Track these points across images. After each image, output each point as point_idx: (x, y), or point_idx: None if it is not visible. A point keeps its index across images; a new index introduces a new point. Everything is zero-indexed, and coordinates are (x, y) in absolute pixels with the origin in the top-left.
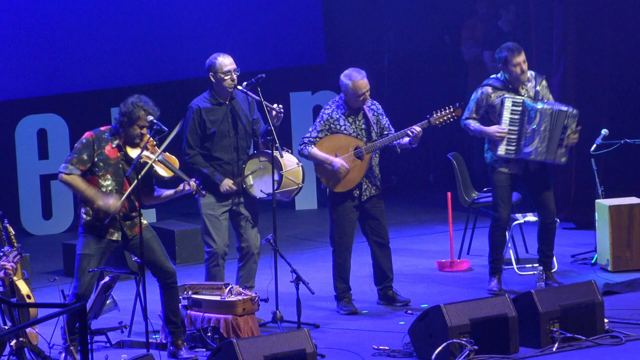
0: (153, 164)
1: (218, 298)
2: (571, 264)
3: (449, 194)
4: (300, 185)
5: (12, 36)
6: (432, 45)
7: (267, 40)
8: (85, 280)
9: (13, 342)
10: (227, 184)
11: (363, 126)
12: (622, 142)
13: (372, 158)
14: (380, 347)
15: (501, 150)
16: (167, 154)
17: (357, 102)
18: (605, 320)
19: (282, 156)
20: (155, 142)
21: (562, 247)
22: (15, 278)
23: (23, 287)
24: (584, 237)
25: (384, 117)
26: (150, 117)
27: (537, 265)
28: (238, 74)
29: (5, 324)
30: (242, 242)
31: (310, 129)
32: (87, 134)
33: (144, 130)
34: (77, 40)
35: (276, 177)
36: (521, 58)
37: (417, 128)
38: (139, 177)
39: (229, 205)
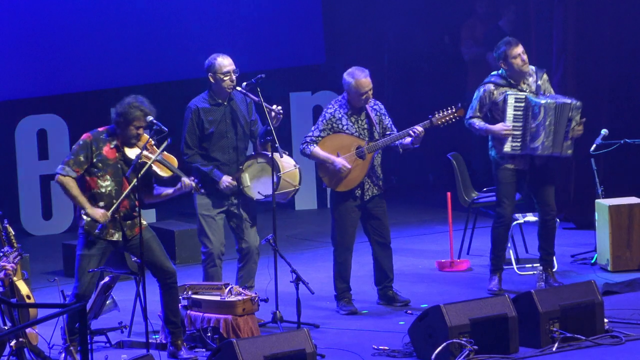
0: (152, 164)
1: (218, 298)
2: (571, 263)
3: (448, 194)
4: (297, 188)
5: (12, 36)
6: (432, 45)
7: (267, 40)
8: (85, 280)
9: (13, 343)
10: (227, 180)
11: (365, 126)
12: (622, 142)
13: (374, 158)
14: (380, 347)
15: (507, 147)
16: (166, 153)
17: (360, 101)
18: (605, 320)
19: (281, 156)
20: (154, 142)
21: (562, 247)
22: (15, 278)
23: (23, 288)
24: (584, 237)
25: (387, 117)
26: (150, 117)
27: (537, 265)
28: (237, 74)
29: (5, 324)
30: (241, 243)
31: (313, 128)
32: (84, 136)
33: (141, 131)
34: (77, 40)
35: (274, 179)
36: (520, 49)
37: (419, 128)
38: (138, 177)
39: (225, 206)
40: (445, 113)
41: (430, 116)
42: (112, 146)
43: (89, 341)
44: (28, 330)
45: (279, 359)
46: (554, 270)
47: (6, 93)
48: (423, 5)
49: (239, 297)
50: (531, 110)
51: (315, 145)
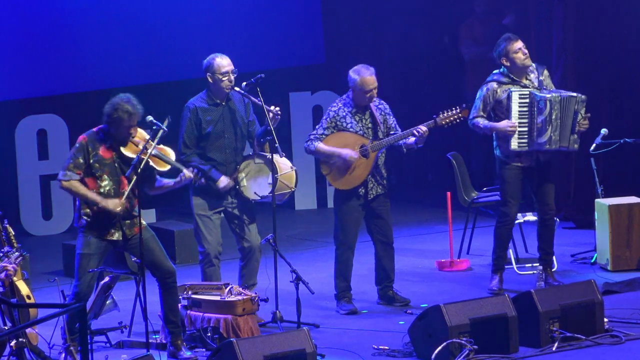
0: (149, 160)
1: (218, 298)
2: (571, 263)
3: (448, 193)
4: (292, 189)
5: (12, 36)
6: (432, 45)
7: (267, 40)
8: (85, 279)
9: (13, 343)
10: (225, 179)
11: (369, 125)
12: (622, 141)
13: (377, 157)
14: (380, 347)
15: (514, 144)
16: (162, 146)
17: (364, 99)
18: (605, 320)
19: (281, 156)
20: (148, 138)
21: (561, 247)
22: (15, 278)
23: (23, 288)
24: (584, 237)
25: (391, 117)
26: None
27: (537, 264)
28: (236, 75)
29: (5, 324)
30: (242, 242)
31: (317, 126)
32: (80, 138)
33: (133, 129)
34: (77, 40)
35: (270, 180)
36: (520, 43)
37: (423, 128)
38: (137, 173)
39: (222, 206)
40: (449, 113)
41: (434, 116)
42: (107, 146)
43: (89, 341)
44: (28, 330)
45: (279, 359)
46: (553, 269)
47: (6, 93)
48: (423, 5)
49: (239, 297)
50: (536, 105)
51: (319, 141)
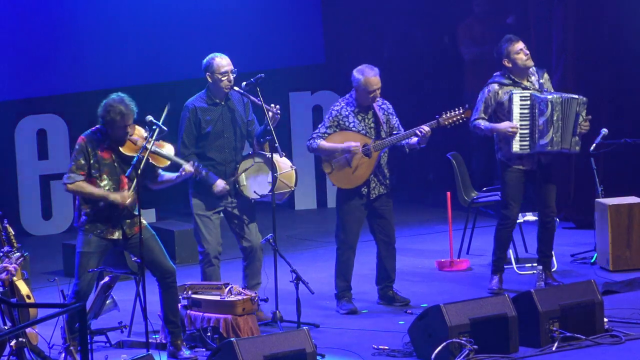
0: (149, 157)
1: (218, 298)
2: (571, 263)
3: (448, 193)
4: (292, 189)
5: (12, 36)
6: (432, 45)
7: (267, 40)
8: (85, 278)
9: (13, 343)
10: (221, 184)
11: (372, 124)
12: (622, 141)
13: (380, 157)
14: (380, 347)
15: (515, 147)
16: (161, 142)
17: (368, 99)
18: (605, 320)
19: (281, 156)
20: (146, 135)
21: (561, 247)
22: (15, 278)
23: (23, 288)
24: (584, 237)
25: (394, 117)
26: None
27: (536, 264)
28: (235, 75)
29: (5, 324)
30: (243, 242)
31: (320, 125)
32: (79, 139)
33: (129, 129)
34: (77, 40)
35: (270, 179)
36: (521, 44)
37: (425, 128)
38: (138, 172)
39: (221, 206)
40: (452, 114)
41: (437, 116)
42: (105, 146)
43: (89, 341)
44: (28, 330)
45: (279, 358)
46: (553, 270)
47: (6, 93)
48: (423, 5)
49: (239, 297)
50: (537, 107)
51: (321, 140)
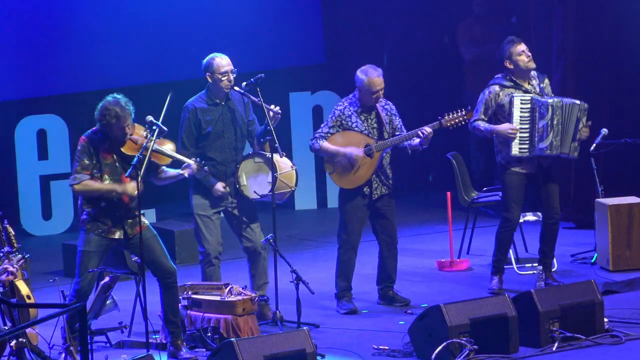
0: (151, 156)
1: (218, 298)
2: (571, 263)
3: (448, 193)
4: (292, 189)
5: (12, 36)
6: (432, 45)
7: (267, 40)
8: (86, 277)
9: (13, 343)
10: (220, 187)
11: (375, 125)
12: (622, 141)
13: (382, 157)
14: (380, 347)
15: (514, 150)
16: (162, 139)
17: (371, 99)
18: (605, 320)
19: (281, 156)
20: (146, 134)
21: (561, 247)
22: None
23: (23, 288)
24: (584, 237)
25: (397, 118)
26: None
27: (536, 264)
28: (235, 75)
29: (5, 324)
30: (245, 242)
31: (322, 125)
32: (81, 140)
33: (127, 129)
34: (77, 40)
35: (270, 179)
36: (523, 46)
37: (427, 129)
38: (141, 172)
39: (222, 206)
40: (454, 115)
41: (439, 117)
42: (106, 146)
43: (89, 341)
44: (28, 330)
45: (279, 359)
46: (553, 270)
47: (6, 93)
48: (423, 5)
49: (239, 297)
50: (538, 110)
51: (324, 140)
